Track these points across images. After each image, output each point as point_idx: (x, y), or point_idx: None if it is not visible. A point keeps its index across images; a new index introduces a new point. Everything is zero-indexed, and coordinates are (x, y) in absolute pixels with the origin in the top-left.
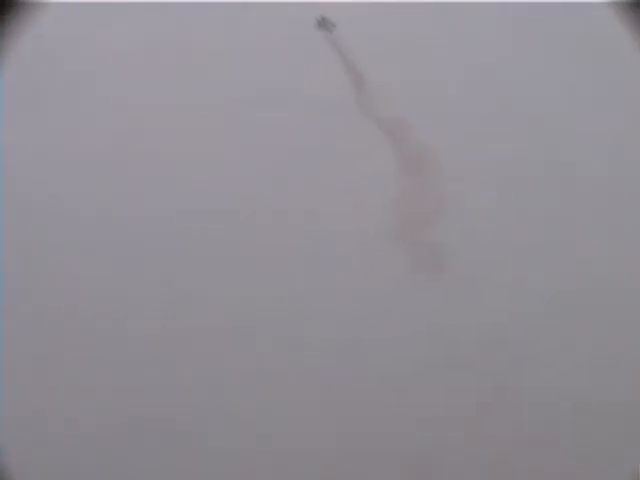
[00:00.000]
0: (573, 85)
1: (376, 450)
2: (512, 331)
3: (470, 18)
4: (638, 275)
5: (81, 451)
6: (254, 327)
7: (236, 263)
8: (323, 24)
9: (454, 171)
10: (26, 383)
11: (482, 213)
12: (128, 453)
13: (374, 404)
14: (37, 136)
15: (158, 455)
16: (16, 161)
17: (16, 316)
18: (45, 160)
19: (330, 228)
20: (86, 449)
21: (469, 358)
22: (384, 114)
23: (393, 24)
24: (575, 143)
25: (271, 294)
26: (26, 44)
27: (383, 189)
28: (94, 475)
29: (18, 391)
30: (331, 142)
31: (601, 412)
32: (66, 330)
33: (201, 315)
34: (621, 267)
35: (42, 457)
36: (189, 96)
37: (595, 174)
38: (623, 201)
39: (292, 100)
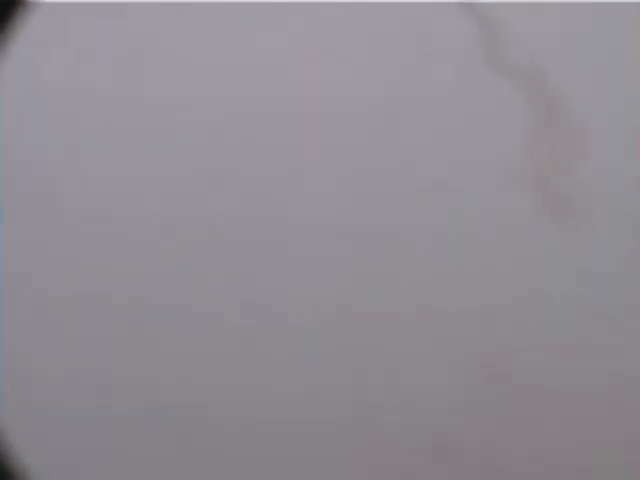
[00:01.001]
0: None
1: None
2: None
3: None
4: None
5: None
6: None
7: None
8: None
9: (586, 122)
10: (27, 375)
11: (611, 166)
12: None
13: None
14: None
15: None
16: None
17: (16, 301)
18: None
19: (457, 177)
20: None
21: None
22: (515, 62)
23: None
24: None
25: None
26: (21, 44)
27: (512, 138)
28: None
29: (19, 382)
30: (458, 92)
31: (593, 394)
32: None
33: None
34: None
35: (47, 446)
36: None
37: None
38: None
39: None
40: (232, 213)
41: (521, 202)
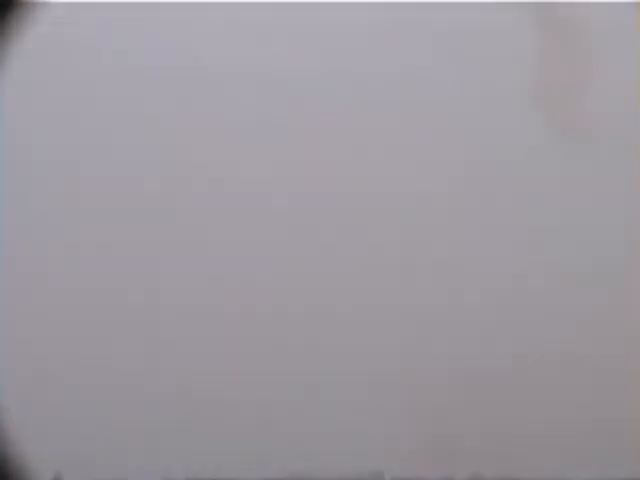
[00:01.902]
0: None
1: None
2: None
3: None
4: None
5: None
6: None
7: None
8: None
9: (600, 45)
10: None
11: (627, 87)
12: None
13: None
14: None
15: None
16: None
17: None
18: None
19: (469, 95)
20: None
21: None
22: None
23: None
24: None
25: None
26: (28, 45)
27: (526, 57)
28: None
29: (20, 380)
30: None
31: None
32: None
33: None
34: None
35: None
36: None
37: None
38: None
39: None
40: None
41: (531, 121)
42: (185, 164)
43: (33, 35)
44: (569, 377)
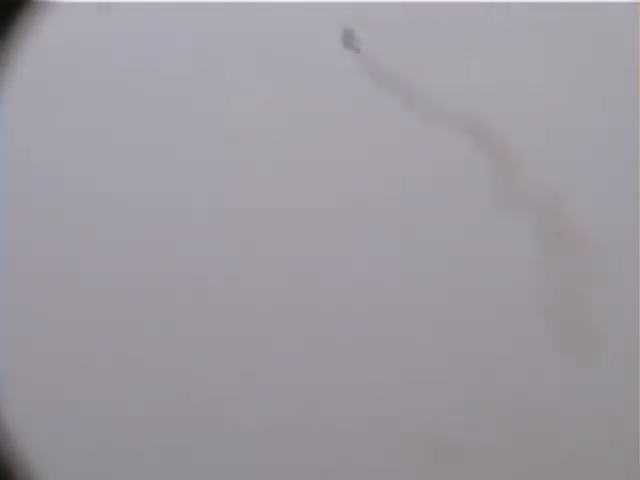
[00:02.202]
0: None
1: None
2: None
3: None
4: None
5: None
6: None
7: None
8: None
9: (601, 249)
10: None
11: (628, 293)
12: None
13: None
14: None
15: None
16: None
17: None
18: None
19: (480, 301)
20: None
21: None
22: (527, 191)
23: None
24: None
25: None
26: (35, 45)
27: (527, 266)
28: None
29: (24, 383)
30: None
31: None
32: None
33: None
34: None
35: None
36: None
37: None
38: None
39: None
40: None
41: (540, 331)
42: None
43: (39, 37)
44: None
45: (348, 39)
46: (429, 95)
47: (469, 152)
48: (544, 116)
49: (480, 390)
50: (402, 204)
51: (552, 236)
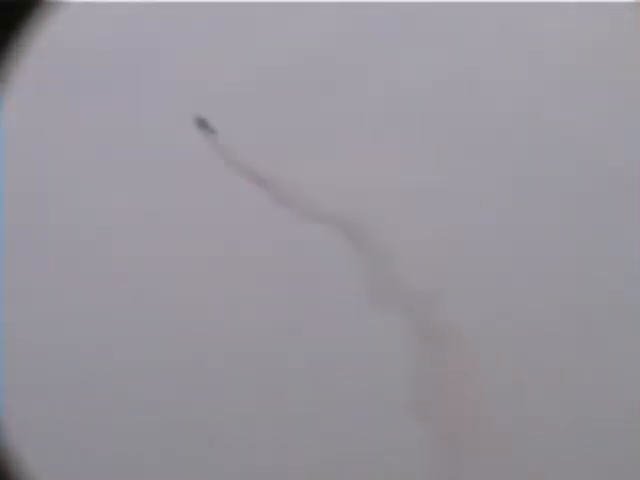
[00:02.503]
0: None
1: None
2: None
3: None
4: None
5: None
6: None
7: None
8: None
9: (474, 345)
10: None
11: (501, 389)
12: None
13: None
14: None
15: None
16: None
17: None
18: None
19: (352, 402)
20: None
21: None
22: (404, 289)
23: None
24: None
25: None
26: (41, 44)
27: (401, 362)
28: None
29: (22, 394)
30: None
31: None
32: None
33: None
34: None
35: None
36: None
37: None
38: None
39: None
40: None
41: (405, 425)
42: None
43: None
44: None
45: (202, 125)
46: (303, 191)
47: (343, 248)
48: (423, 213)
49: None
50: (275, 299)
51: (425, 331)
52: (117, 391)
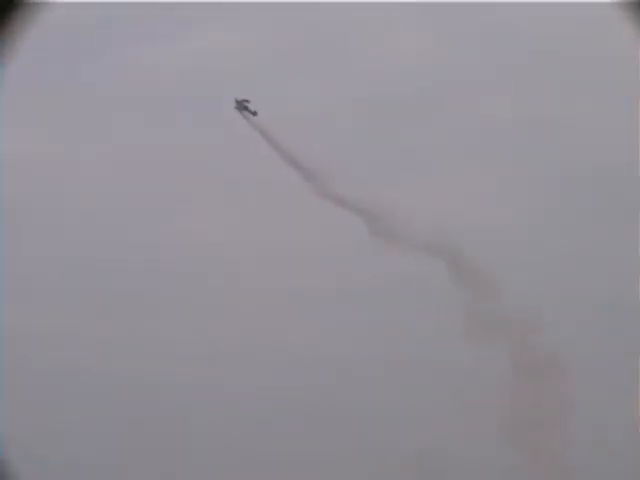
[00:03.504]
0: None
1: None
2: None
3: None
4: None
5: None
6: None
7: None
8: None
9: (571, 376)
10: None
11: (596, 421)
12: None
13: None
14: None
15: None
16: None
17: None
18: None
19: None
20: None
21: None
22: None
23: None
24: None
25: None
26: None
27: (498, 393)
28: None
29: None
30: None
31: None
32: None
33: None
34: None
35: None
36: None
37: None
38: None
39: None
40: None
41: (503, 458)
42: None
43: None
44: None
45: (241, 107)
46: (400, 222)
47: (441, 279)
48: (523, 244)
49: None
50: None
51: (522, 363)
52: None
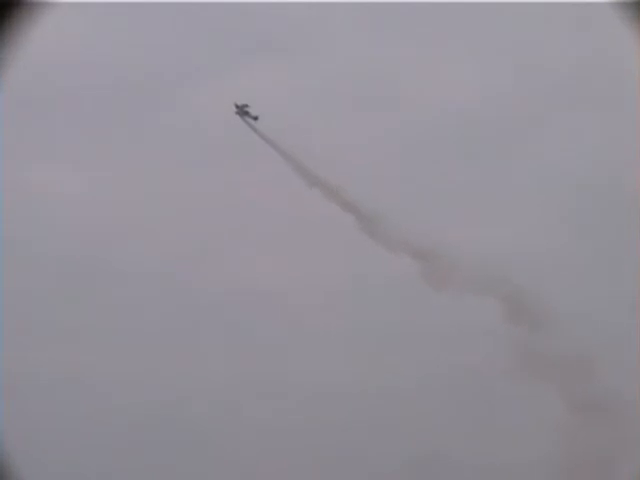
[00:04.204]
0: None
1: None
2: None
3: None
4: None
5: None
6: None
7: None
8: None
9: (628, 416)
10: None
11: None
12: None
13: None
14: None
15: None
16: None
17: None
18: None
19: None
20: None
21: None
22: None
23: None
24: None
25: None
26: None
27: (552, 429)
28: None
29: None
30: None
31: None
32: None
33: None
34: None
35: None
36: None
37: None
38: None
39: None
40: None
41: None
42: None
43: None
44: None
45: (242, 112)
46: (450, 255)
47: (495, 314)
48: (576, 280)
49: None
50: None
51: (575, 401)
52: None
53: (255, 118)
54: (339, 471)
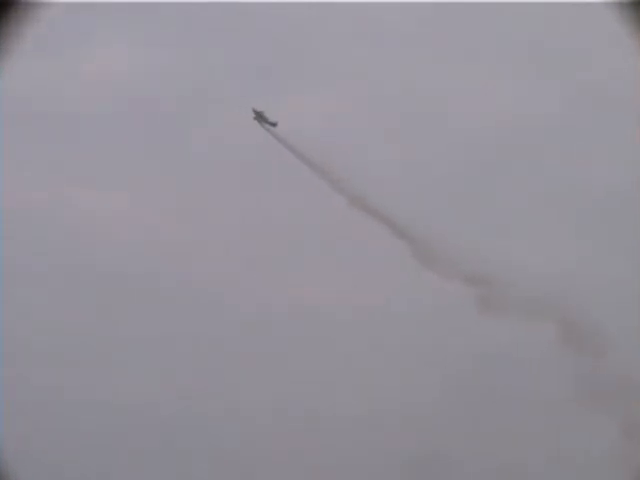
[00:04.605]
0: None
1: None
2: None
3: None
4: None
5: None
6: None
7: None
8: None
9: None
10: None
11: None
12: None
13: None
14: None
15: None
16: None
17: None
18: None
19: None
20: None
21: None
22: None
23: None
24: None
25: None
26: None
27: (609, 457)
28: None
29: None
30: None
31: None
32: None
33: None
34: None
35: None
36: None
37: None
38: None
39: None
40: None
41: None
42: None
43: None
44: None
45: (260, 118)
46: (503, 278)
47: (549, 340)
48: (632, 306)
49: None
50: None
51: (632, 428)
52: None
53: (274, 124)
54: (339, 471)
